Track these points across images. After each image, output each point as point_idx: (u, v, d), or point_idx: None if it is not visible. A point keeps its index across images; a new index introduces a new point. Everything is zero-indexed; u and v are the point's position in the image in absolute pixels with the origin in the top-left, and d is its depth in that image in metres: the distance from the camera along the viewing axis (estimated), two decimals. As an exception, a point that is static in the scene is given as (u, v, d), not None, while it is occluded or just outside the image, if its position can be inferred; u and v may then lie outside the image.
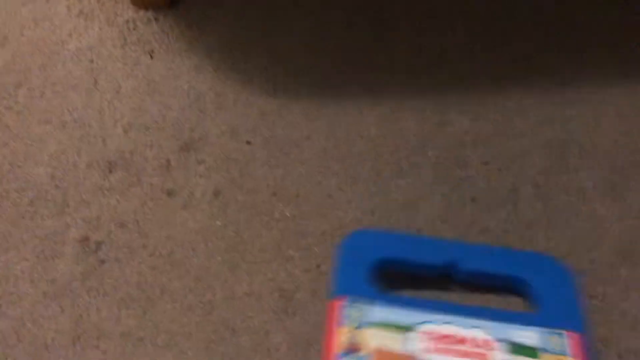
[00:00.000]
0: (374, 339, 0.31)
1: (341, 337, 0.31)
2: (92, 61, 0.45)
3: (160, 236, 0.37)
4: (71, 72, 0.45)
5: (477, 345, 0.31)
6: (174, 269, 0.36)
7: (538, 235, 0.36)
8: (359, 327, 0.31)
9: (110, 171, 0.39)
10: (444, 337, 0.31)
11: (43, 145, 0.41)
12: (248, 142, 0.41)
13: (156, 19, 0.47)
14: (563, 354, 0.31)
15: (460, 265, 0.34)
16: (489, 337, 0.31)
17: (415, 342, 0.31)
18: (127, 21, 0.47)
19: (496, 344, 0.31)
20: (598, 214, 0.37)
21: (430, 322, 0.32)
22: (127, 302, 0.35)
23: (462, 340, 0.31)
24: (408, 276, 0.35)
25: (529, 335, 0.31)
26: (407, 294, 0.34)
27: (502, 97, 0.43)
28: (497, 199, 0.38)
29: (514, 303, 0.34)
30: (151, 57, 0.45)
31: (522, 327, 0.32)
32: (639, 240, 0.36)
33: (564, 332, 0.32)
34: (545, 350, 0.31)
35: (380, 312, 0.32)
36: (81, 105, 0.43)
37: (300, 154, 0.40)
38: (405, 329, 0.31)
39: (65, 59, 0.45)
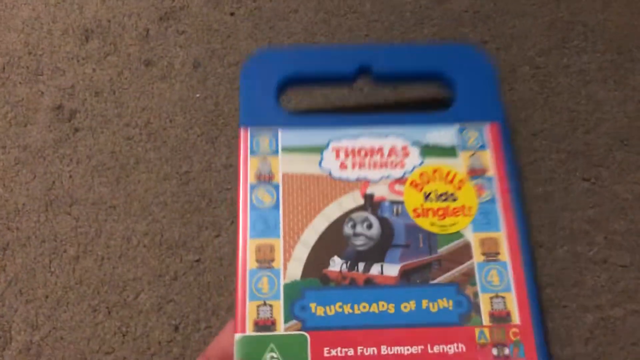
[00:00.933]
0: (285, 164, 0.29)
1: (252, 168, 0.29)
2: None
3: (137, 106, 0.35)
4: (47, -64, 0.42)
5: (393, 153, 0.30)
6: (149, 140, 0.34)
7: (534, 115, 0.35)
8: (269, 154, 0.29)
9: (87, 39, 0.37)
10: (359, 151, 0.30)
11: (16, 10, 0.38)
12: (232, 14, 0.38)
13: None
14: (482, 148, 0.30)
15: (375, 68, 0.31)
16: (404, 143, 0.30)
17: (329, 161, 0.29)
18: None
19: (412, 149, 0.30)
20: (598, 97, 0.35)
21: (342, 137, 0.30)
22: (101, 170, 0.33)
23: (377, 151, 0.30)
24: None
25: (445, 135, 0.30)
26: (320, 112, 0.32)
27: (506, -25, 0.40)
28: (492, 79, 0.36)
29: (437, 105, 0.32)
30: None
31: (439, 127, 0.30)
32: (637, 126, 0.34)
33: (482, 123, 0.30)
34: (463, 148, 0.29)
35: (290, 135, 0.30)
36: (57, -29, 0.40)
37: (286, 28, 0.38)
38: (317, 149, 0.30)
39: None
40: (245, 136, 0.30)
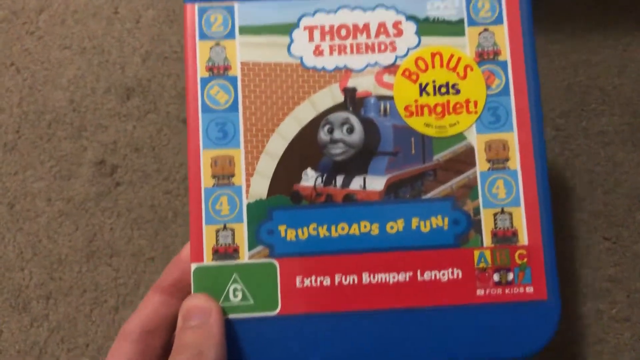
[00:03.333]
0: (245, 51, 0.23)
1: (202, 56, 0.23)
2: (113, -10, 0.45)
3: (175, 162, 0.37)
4: (92, 0, 0.44)
5: (382, 32, 0.23)
6: (187, 194, 0.36)
7: (556, 176, 0.36)
8: (223, 37, 0.23)
9: (128, 98, 0.40)
10: (338, 30, 0.23)
11: (62, 70, 0.41)
12: (265, 75, 0.40)
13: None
14: (496, 22, 0.23)
15: None
16: (397, 17, 0.23)
17: (299, 44, 0.23)
18: (150, -47, 0.47)
19: (406, 25, 0.23)
20: (617, 158, 0.37)
21: (317, 11, 0.23)
22: (140, 223, 0.35)
23: (361, 29, 0.23)
24: None
25: (451, 4, 0.23)
26: None
27: (526, 40, 0.42)
28: (514, 140, 0.38)
29: None
30: (172, -11, 0.45)
31: None
32: (657, 186, 0.36)
33: None
34: (473, 23, 0.23)
35: (250, 11, 0.23)
36: (101, 32, 0.43)
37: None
38: (285, 28, 0.23)
39: (86, -13, 0.45)
40: (192, 13, 0.23)
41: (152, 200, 0.36)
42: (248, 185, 0.23)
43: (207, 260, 0.22)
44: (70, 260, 0.34)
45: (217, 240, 0.22)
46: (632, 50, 0.40)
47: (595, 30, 0.42)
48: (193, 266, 0.22)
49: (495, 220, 0.22)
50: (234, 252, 0.22)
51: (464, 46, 0.23)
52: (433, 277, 0.22)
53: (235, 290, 0.22)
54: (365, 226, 0.22)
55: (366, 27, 0.23)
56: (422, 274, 0.22)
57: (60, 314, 0.33)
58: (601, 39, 0.41)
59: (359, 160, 0.23)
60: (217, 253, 0.22)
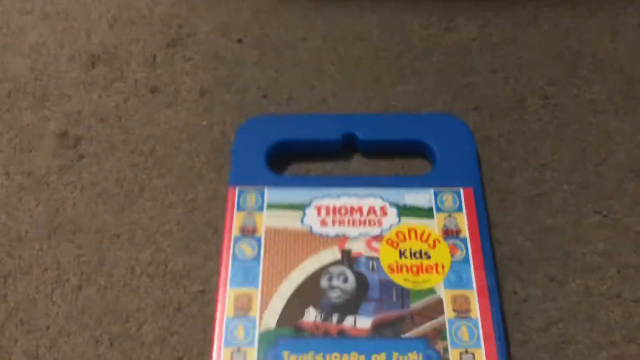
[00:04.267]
0: (269, 219, 0.31)
1: (237, 222, 0.31)
2: (78, -48, 0.42)
3: (142, 133, 0.35)
4: (56, -38, 0.42)
5: (372, 212, 0.31)
6: (155, 167, 0.34)
7: (544, 146, 0.34)
8: (254, 210, 0.31)
9: (93, 65, 0.37)
10: (339, 209, 0.31)
11: (23, 36, 0.38)
12: (239, 41, 0.38)
13: None
14: (458, 210, 0.31)
15: (359, 136, 0.34)
16: (383, 203, 0.31)
17: (310, 217, 0.31)
18: None
19: (390, 209, 0.31)
20: (609, 128, 0.35)
21: (325, 196, 0.32)
22: (105, 198, 0.33)
23: (356, 210, 0.31)
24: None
25: (424, 197, 0.32)
26: (305, 173, 0.34)
27: (515, 5, 0.40)
28: (502, 109, 0.36)
29: (418, 167, 0.34)
30: (142, -49, 0.42)
31: (418, 189, 0.32)
32: (650, 156, 0.34)
33: (460, 188, 0.32)
34: (440, 210, 0.31)
35: (276, 194, 0.32)
36: (65, -3, 0.40)
37: (294, 55, 0.38)
38: (300, 206, 0.31)
39: (50, -51, 0.43)
40: (232, 194, 0.32)
41: (118, 174, 0.34)
42: (261, 318, 0.28)
43: None
44: (30, 238, 0.32)
45: None
46: (627, 14, 0.38)
47: (587, -6, 0.40)
48: None
49: (460, 358, 0.27)
50: None
51: (433, 225, 0.31)
52: None
53: None
54: (354, 356, 0.27)
55: (360, 208, 0.31)
56: None
57: (20, 295, 0.31)
58: (593, 2, 0.39)
59: (352, 304, 0.29)
60: None
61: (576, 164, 0.34)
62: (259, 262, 0.30)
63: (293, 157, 0.34)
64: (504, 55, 0.38)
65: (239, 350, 0.28)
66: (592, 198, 0.33)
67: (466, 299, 0.29)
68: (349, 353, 0.27)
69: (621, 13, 0.40)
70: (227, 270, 0.30)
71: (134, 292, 0.31)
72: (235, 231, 0.31)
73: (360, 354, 0.27)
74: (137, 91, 0.36)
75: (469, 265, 0.30)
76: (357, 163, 0.34)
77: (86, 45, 0.38)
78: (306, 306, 0.29)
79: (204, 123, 0.35)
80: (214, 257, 0.31)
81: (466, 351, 0.27)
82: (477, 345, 0.28)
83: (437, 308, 0.28)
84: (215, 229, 0.32)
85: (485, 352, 0.27)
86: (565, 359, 0.29)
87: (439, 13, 0.40)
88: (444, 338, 0.28)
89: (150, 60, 0.37)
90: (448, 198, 0.31)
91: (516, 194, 0.33)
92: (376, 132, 0.34)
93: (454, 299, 0.29)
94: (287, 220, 0.31)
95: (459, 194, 0.32)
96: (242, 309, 0.29)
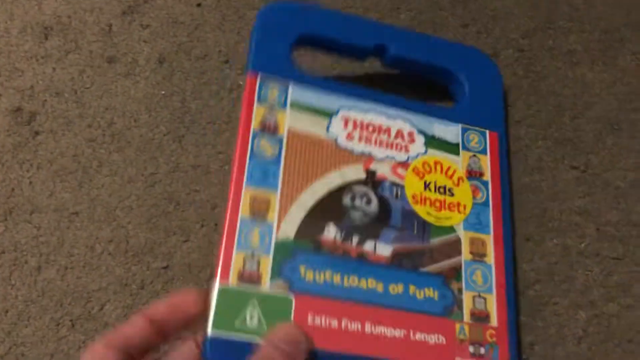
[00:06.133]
0: (293, 120, 0.29)
1: (257, 115, 0.28)
2: None
3: (100, 106, 0.33)
4: None
5: (399, 136, 0.30)
6: (113, 141, 0.32)
7: (518, 101, 0.33)
8: (276, 106, 0.29)
9: (46, 37, 0.35)
10: (367, 125, 0.29)
11: (-28, 9, 0.37)
12: (198, 5, 0.36)
13: None
14: (482, 152, 0.30)
15: (390, 50, 0.31)
16: (411, 129, 0.30)
17: (336, 128, 0.29)
18: None
19: (418, 137, 0.30)
20: (586, 79, 0.33)
21: (352, 108, 0.30)
22: (62, 175, 0.32)
23: (384, 130, 0.29)
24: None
25: (452, 131, 0.30)
26: (329, 76, 0.32)
27: (487, -45, 0.38)
28: (474, 65, 0.34)
29: (438, 97, 0.32)
30: None
31: (445, 121, 0.30)
32: (628, 108, 0.32)
33: (486, 130, 0.30)
34: (466, 148, 0.30)
35: (300, 93, 0.29)
36: (15, -34, 0.38)
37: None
38: (327, 113, 0.29)
39: None
40: (252, 82, 0.29)
41: (75, 150, 0.32)
42: (279, 226, 0.26)
43: (232, 282, 0.25)
44: (-15, 220, 0.31)
45: (244, 266, 0.25)
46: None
47: (563, -60, 0.38)
48: (218, 286, 0.25)
49: (474, 301, 0.27)
50: (257, 280, 0.25)
51: (458, 163, 0.30)
52: (422, 339, 0.26)
53: (252, 314, 0.25)
54: (372, 283, 0.26)
55: (388, 130, 0.29)
56: (414, 335, 0.26)
57: (-24, 279, 0.29)
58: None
59: (373, 228, 0.28)
60: (241, 277, 0.25)
61: (552, 118, 0.32)
62: (279, 164, 0.27)
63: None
64: (476, 9, 0.36)
65: (252, 255, 0.26)
66: (570, 153, 0.31)
67: (483, 243, 0.28)
68: (367, 279, 0.26)
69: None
70: (243, 167, 0.27)
71: (95, 271, 0.30)
72: (254, 124, 0.28)
73: (378, 280, 0.26)
74: (93, 62, 0.35)
75: (489, 210, 0.29)
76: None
77: (38, 16, 0.36)
78: (327, 222, 0.27)
79: (163, 92, 0.34)
80: (177, 232, 0.30)
81: (479, 295, 0.27)
82: (489, 290, 0.27)
83: (455, 247, 0.28)
84: (178, 203, 0.31)
85: (497, 299, 0.27)
86: (543, 321, 0.28)
87: (408, -33, 0.38)
88: (459, 279, 0.27)
89: (105, 29, 0.36)
90: (474, 137, 0.30)
91: (490, 152, 0.32)
92: (410, 50, 0.31)
93: (472, 242, 0.28)
94: (312, 125, 0.29)
95: (484, 135, 0.30)
96: (259, 212, 0.26)
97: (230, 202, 0.26)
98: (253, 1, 0.36)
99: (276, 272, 0.25)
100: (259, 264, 0.25)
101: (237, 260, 0.25)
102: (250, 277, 0.25)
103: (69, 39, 0.35)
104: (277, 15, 0.31)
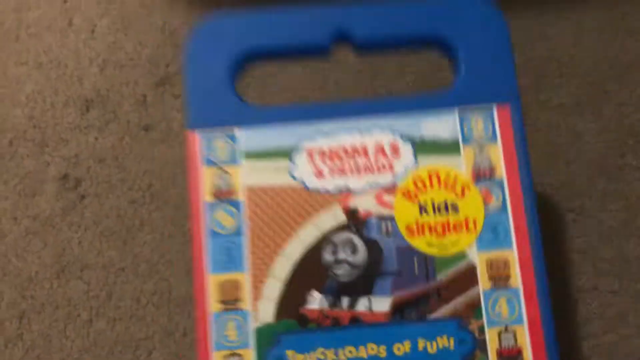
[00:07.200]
0: (249, 176, 0.24)
1: (207, 182, 0.24)
2: (65, 1, 0.44)
3: (139, 170, 0.37)
4: (45, 13, 0.44)
5: (379, 153, 0.24)
6: (153, 201, 0.36)
7: (516, 152, 0.36)
8: (227, 163, 0.24)
9: (87, 109, 0.39)
10: (336, 153, 0.24)
11: (20, 86, 0.41)
12: (223, 74, 0.40)
13: (129, -43, 0.46)
14: (491, 140, 0.24)
15: (355, 33, 0.25)
16: (393, 139, 0.24)
17: (301, 168, 0.24)
18: (100, -40, 0.46)
19: (403, 146, 0.24)
20: (578, 129, 0.37)
21: (316, 134, 0.24)
22: (108, 235, 0.35)
23: (360, 151, 0.24)
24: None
25: (446, 124, 0.24)
26: (287, 100, 0.27)
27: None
28: (475, 120, 0.38)
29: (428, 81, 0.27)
30: (125, -6, 0.45)
31: (438, 113, 0.24)
32: (616, 154, 0.36)
33: (492, 105, 0.24)
34: (468, 141, 0.24)
35: (252, 136, 0.24)
36: (56, 45, 0.42)
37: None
38: (286, 152, 0.24)
39: (38, 0, 0.45)
40: (193, 142, 0.24)
41: (118, 211, 0.36)
42: (255, 310, 0.23)
43: None
44: (40, 278, 0.34)
45: None
46: (586, 21, 0.40)
47: (549, 1, 0.42)
48: None
49: (500, 338, 0.22)
50: None
51: (460, 165, 0.24)
52: None
53: None
54: (372, 349, 0.22)
55: (364, 149, 0.24)
56: None
57: (35, 333, 0.33)
58: (556, 10, 0.41)
59: (364, 281, 0.23)
60: None
61: (549, 165, 0.36)
62: (241, 235, 0.23)
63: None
64: (474, 68, 0.40)
65: (232, 354, 0.22)
66: (566, 197, 0.35)
67: (505, 263, 0.23)
68: (365, 345, 0.22)
69: (581, 19, 0.42)
70: (203, 251, 0.23)
71: (142, 322, 0.33)
72: (207, 196, 0.24)
73: (379, 345, 0.22)
74: (131, 130, 0.38)
75: (507, 215, 0.23)
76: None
77: (79, 90, 0.40)
78: (308, 290, 0.23)
79: (196, 156, 0.37)
80: (214, 282, 0.33)
81: (505, 329, 0.22)
82: (519, 321, 0.22)
83: (469, 277, 0.23)
84: (213, 256, 0.34)
85: (529, 329, 0.22)
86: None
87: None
88: (478, 316, 0.22)
89: (141, 100, 0.39)
90: (478, 122, 0.24)
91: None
92: (378, 26, 0.25)
93: (490, 265, 0.23)
94: (272, 174, 0.24)
95: (491, 115, 0.24)
96: (230, 301, 0.23)
97: (198, 297, 0.23)
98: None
99: None
100: None
101: None
102: None
103: (108, 110, 0.39)
104: (208, 38, 0.26)
